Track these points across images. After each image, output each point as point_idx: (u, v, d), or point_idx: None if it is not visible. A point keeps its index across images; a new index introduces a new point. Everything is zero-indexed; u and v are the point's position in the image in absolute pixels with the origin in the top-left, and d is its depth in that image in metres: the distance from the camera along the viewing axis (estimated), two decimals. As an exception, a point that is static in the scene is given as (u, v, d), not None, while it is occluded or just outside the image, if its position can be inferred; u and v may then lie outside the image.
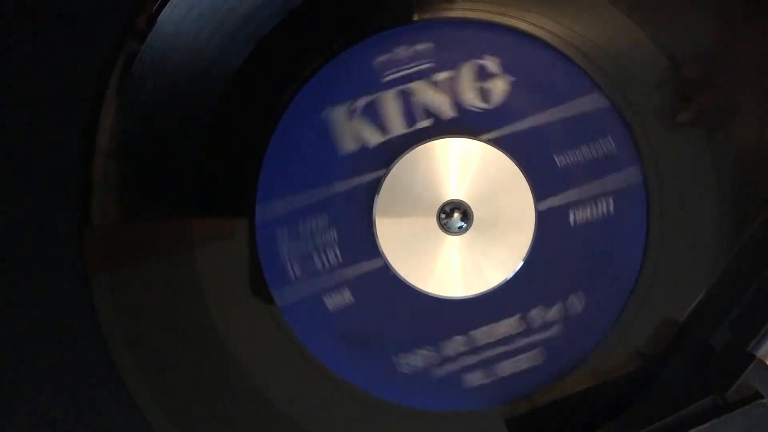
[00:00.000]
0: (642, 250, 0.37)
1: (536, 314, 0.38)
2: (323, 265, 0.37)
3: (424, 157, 0.36)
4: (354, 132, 0.37)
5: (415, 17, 0.37)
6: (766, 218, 0.37)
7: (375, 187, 0.37)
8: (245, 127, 0.37)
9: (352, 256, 0.37)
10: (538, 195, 0.37)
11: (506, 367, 0.38)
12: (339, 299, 0.38)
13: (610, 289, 0.37)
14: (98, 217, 0.37)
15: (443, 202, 0.36)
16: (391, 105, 0.37)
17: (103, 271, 0.38)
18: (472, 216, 0.36)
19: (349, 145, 0.37)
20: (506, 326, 0.38)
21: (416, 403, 0.38)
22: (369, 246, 0.37)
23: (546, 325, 0.38)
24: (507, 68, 0.37)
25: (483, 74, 0.37)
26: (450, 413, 0.38)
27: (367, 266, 0.37)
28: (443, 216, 0.36)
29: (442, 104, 0.37)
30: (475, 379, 0.38)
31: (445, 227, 0.36)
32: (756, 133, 0.37)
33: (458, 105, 0.37)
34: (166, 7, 0.37)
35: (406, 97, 0.37)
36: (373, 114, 0.37)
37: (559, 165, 0.37)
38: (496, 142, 0.36)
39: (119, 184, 0.37)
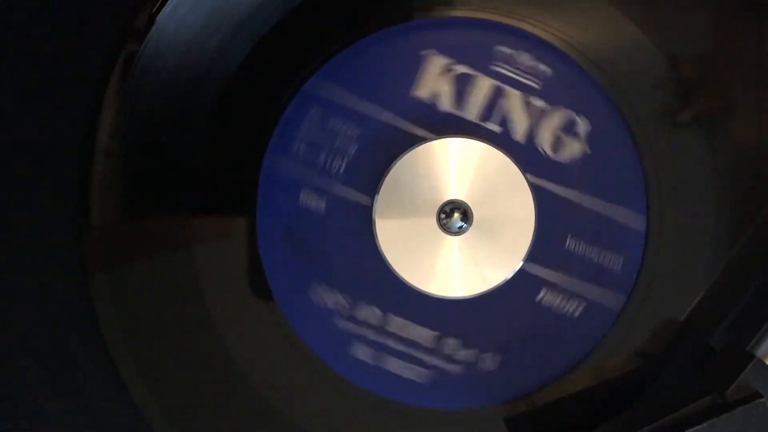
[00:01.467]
0: (642, 249, 0.37)
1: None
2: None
3: (424, 157, 0.36)
4: (436, 85, 0.37)
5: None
6: (766, 218, 0.37)
7: (378, 179, 0.36)
8: (245, 127, 0.37)
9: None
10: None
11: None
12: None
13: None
14: (98, 216, 0.37)
15: (443, 202, 0.36)
16: (482, 90, 0.37)
17: (103, 270, 0.38)
18: (472, 216, 0.36)
19: (423, 93, 0.37)
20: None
21: (416, 402, 0.38)
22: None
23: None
24: (591, 138, 0.37)
25: (569, 128, 0.37)
26: (450, 412, 0.38)
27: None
28: (443, 216, 0.36)
29: (520, 125, 0.37)
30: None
31: (445, 227, 0.36)
32: (755, 133, 0.37)
33: (530, 136, 0.37)
34: (166, 6, 0.37)
35: (498, 95, 0.37)
36: (463, 84, 0.37)
37: (567, 247, 0.37)
38: (534, 188, 0.36)
39: (119, 184, 0.37)
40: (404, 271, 0.36)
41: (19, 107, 0.37)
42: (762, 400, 0.34)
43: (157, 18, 0.36)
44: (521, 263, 0.36)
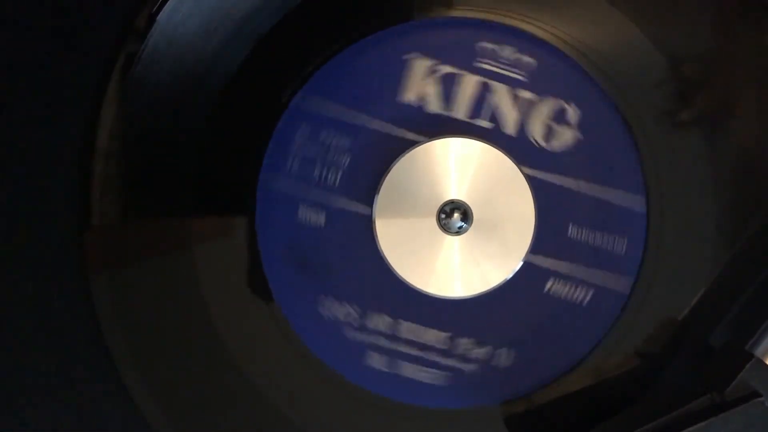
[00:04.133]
0: (642, 249, 0.37)
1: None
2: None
3: (424, 157, 0.36)
4: (422, 88, 0.37)
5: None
6: (765, 218, 0.37)
7: (375, 187, 0.37)
8: (245, 127, 0.37)
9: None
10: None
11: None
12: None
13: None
14: (98, 216, 0.37)
15: (443, 202, 0.36)
16: (469, 88, 0.37)
17: (103, 270, 0.38)
18: (472, 216, 0.36)
19: (410, 97, 0.37)
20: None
21: (416, 401, 0.38)
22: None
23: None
24: (582, 125, 0.37)
25: (559, 117, 0.37)
26: (450, 412, 0.38)
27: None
28: (443, 216, 0.36)
29: (510, 119, 0.37)
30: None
31: (445, 227, 0.36)
32: (755, 133, 0.37)
33: (522, 128, 0.37)
34: (166, 6, 0.36)
35: (485, 91, 0.37)
36: (449, 84, 0.37)
37: (569, 235, 0.37)
38: (531, 179, 0.36)
39: (119, 184, 0.37)
40: (405, 272, 0.37)
41: (19, 107, 0.37)
42: (761, 399, 0.34)
43: (157, 18, 0.36)
44: (521, 263, 0.37)
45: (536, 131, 0.37)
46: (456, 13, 0.37)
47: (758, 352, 0.35)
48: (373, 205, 0.36)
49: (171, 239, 0.38)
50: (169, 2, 0.36)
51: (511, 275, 0.37)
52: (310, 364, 0.38)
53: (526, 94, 0.37)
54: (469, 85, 0.37)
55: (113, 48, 0.36)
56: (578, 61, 0.37)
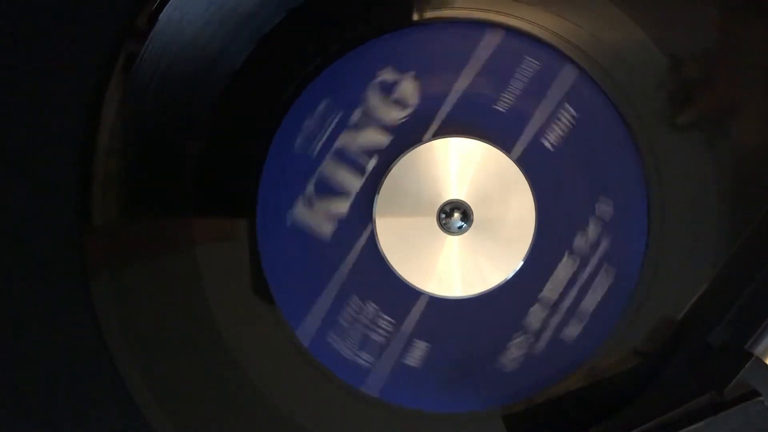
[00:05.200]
0: (643, 249, 0.37)
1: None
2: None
3: (424, 157, 0.36)
4: (322, 214, 0.37)
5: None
6: (764, 218, 0.37)
7: (375, 187, 0.37)
8: (246, 127, 0.37)
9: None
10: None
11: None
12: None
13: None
14: (98, 216, 0.37)
15: (443, 202, 0.36)
16: (337, 170, 0.37)
17: (103, 270, 0.38)
18: (472, 216, 0.36)
19: (326, 229, 0.37)
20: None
21: (415, 403, 0.38)
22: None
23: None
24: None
25: (386, 89, 0.37)
26: (449, 413, 0.38)
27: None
28: (443, 216, 0.36)
29: (374, 138, 0.37)
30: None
31: (445, 227, 0.36)
32: (756, 134, 0.37)
33: (388, 128, 0.37)
34: (167, 6, 0.36)
35: (343, 154, 0.37)
36: (326, 188, 0.37)
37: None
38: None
39: (120, 184, 0.37)
40: (404, 271, 0.37)
41: (19, 107, 0.37)
42: (760, 398, 0.34)
43: (158, 18, 0.36)
44: (521, 263, 0.37)
45: (392, 116, 0.37)
46: (458, 12, 0.37)
47: (757, 351, 0.35)
48: (373, 205, 0.36)
49: (172, 239, 0.37)
50: (169, 2, 0.36)
51: (510, 275, 0.37)
52: (310, 365, 0.38)
53: (356, 115, 0.37)
54: (332, 168, 0.37)
55: (113, 48, 0.36)
56: (579, 60, 0.37)
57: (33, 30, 0.36)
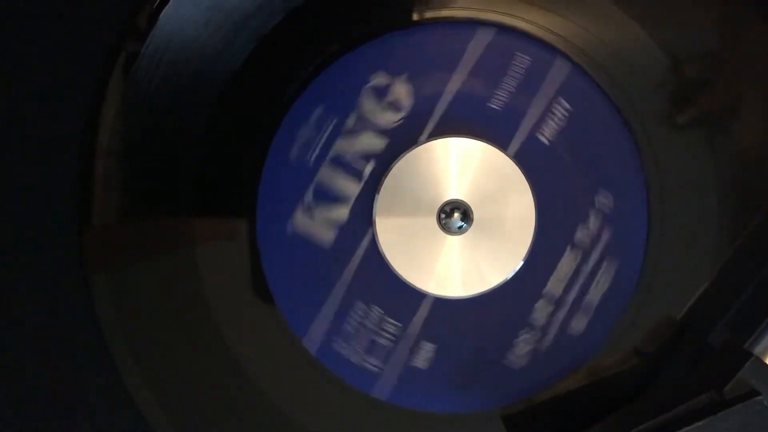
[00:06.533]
0: (643, 249, 0.37)
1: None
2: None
3: (424, 157, 0.36)
4: (323, 222, 0.37)
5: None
6: (764, 217, 0.37)
7: (373, 192, 0.37)
8: (246, 127, 0.37)
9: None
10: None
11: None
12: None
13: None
14: (98, 216, 0.37)
15: (443, 202, 0.36)
16: (335, 177, 0.37)
17: (103, 270, 0.38)
18: (472, 216, 0.36)
19: (327, 236, 0.37)
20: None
21: (425, 405, 0.38)
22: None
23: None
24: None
25: (380, 93, 0.37)
26: (449, 413, 0.38)
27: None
28: (443, 216, 0.36)
29: (370, 142, 0.37)
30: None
31: (445, 227, 0.36)
32: (756, 133, 0.37)
33: (384, 132, 0.37)
34: (167, 6, 0.36)
35: (341, 160, 0.37)
36: (326, 196, 0.37)
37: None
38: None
39: (119, 184, 0.37)
40: (405, 273, 0.37)
41: (19, 107, 0.37)
42: (759, 397, 0.34)
43: (158, 18, 0.36)
44: (521, 263, 0.37)
45: (386, 120, 0.37)
46: (456, 12, 0.37)
47: (757, 350, 0.35)
48: (374, 205, 0.36)
49: (171, 239, 0.37)
50: (169, 2, 0.36)
51: (510, 275, 0.37)
52: (310, 364, 0.38)
53: (351, 121, 0.37)
54: (330, 175, 0.37)
55: (113, 48, 0.36)
56: (579, 60, 0.37)
57: (33, 30, 0.36)
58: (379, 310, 0.38)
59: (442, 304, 0.37)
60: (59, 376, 0.38)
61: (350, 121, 0.37)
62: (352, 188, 0.37)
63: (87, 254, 0.37)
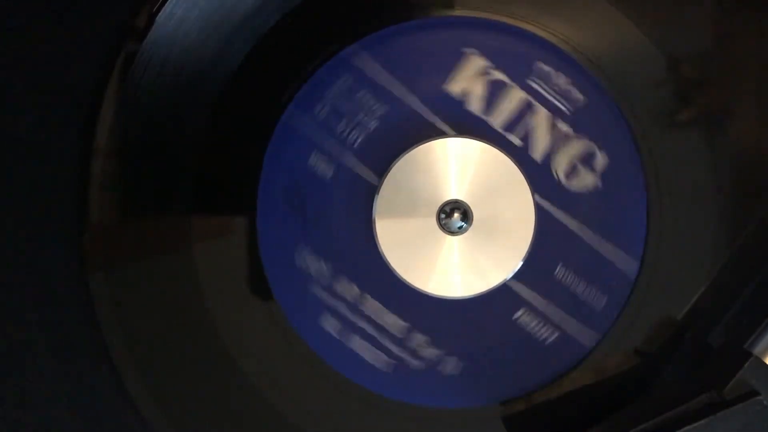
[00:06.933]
0: (642, 249, 0.37)
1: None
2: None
3: (424, 157, 0.36)
4: (470, 85, 0.37)
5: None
6: (764, 217, 0.37)
7: (375, 186, 0.37)
8: (245, 126, 0.37)
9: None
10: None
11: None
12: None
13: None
14: (98, 216, 0.37)
15: (443, 202, 0.36)
16: (513, 101, 0.37)
17: (102, 269, 0.38)
18: (472, 216, 0.36)
19: (455, 89, 0.37)
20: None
21: (415, 400, 0.38)
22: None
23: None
24: (605, 175, 0.37)
25: (587, 160, 0.37)
26: (449, 411, 0.38)
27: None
28: (443, 216, 0.36)
29: (540, 145, 0.37)
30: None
31: (445, 227, 0.36)
32: (755, 133, 0.37)
33: (548, 157, 0.37)
34: (166, 6, 0.36)
35: (527, 109, 0.37)
36: (496, 90, 0.37)
37: (556, 274, 0.37)
38: (539, 209, 0.36)
39: (118, 183, 0.37)
40: (405, 272, 0.37)
41: (19, 107, 0.37)
42: (759, 397, 0.34)
43: (157, 18, 0.36)
44: (521, 263, 0.37)
45: (561, 165, 0.37)
46: (456, 12, 0.37)
47: (757, 350, 0.35)
48: (373, 205, 0.36)
49: (170, 238, 0.37)
50: (169, 2, 0.36)
51: (510, 275, 0.37)
52: (309, 363, 0.38)
53: (565, 127, 0.37)
54: (514, 98, 0.37)
55: (113, 48, 0.36)
56: (579, 60, 0.37)
57: (32, 30, 0.36)
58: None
59: (442, 304, 0.37)
60: (59, 375, 0.38)
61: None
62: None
63: (86, 253, 0.37)
